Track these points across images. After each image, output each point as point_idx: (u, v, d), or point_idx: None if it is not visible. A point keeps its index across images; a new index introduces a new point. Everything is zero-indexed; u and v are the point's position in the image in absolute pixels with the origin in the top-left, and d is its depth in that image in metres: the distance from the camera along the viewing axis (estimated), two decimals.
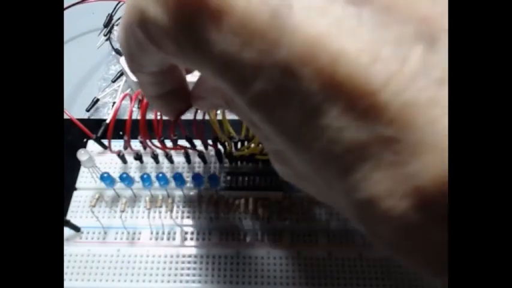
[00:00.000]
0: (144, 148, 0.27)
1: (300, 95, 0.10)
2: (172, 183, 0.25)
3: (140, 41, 0.13)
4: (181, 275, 0.23)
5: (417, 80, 0.09)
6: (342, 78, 0.09)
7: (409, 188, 0.09)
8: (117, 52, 0.36)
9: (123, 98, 0.24)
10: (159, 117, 0.24)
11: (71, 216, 0.25)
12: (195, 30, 0.10)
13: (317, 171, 0.11)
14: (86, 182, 0.26)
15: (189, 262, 0.23)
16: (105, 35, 0.37)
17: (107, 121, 0.30)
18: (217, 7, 0.10)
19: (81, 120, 0.28)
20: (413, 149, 0.09)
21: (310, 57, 0.09)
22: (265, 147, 0.15)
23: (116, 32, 0.38)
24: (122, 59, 0.32)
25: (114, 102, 0.33)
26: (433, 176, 0.09)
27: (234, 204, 0.24)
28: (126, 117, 0.25)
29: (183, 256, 0.23)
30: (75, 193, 0.26)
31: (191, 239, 0.24)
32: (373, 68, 0.09)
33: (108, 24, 0.38)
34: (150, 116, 0.24)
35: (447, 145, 0.08)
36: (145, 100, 0.23)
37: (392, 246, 0.10)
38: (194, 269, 0.23)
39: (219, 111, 0.24)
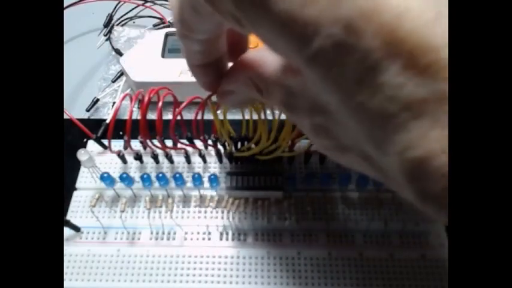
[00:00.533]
0: (144, 148, 0.27)
1: (360, 51, 0.10)
2: (172, 183, 0.25)
3: (195, 1, 0.13)
4: (181, 275, 0.23)
5: None
6: (405, 34, 0.09)
7: None
8: (117, 52, 0.36)
9: (123, 98, 0.24)
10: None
11: (71, 216, 0.25)
12: None
13: (369, 131, 0.11)
14: (86, 182, 0.26)
15: (189, 262, 0.23)
16: (105, 35, 0.37)
17: (107, 121, 0.30)
18: None
19: (81, 120, 0.28)
20: None
21: (373, 13, 0.09)
22: (303, 124, 0.15)
23: (116, 32, 0.38)
24: (122, 59, 0.32)
25: (114, 102, 0.33)
26: None
27: (234, 204, 0.24)
28: (126, 117, 0.25)
29: (183, 256, 0.23)
30: (75, 193, 0.26)
31: (191, 239, 0.24)
32: (437, 25, 0.09)
33: (108, 24, 0.38)
34: (150, 116, 0.24)
35: None
36: (145, 100, 0.23)
37: (440, 205, 0.10)
38: (194, 269, 0.23)
39: (219, 111, 0.24)
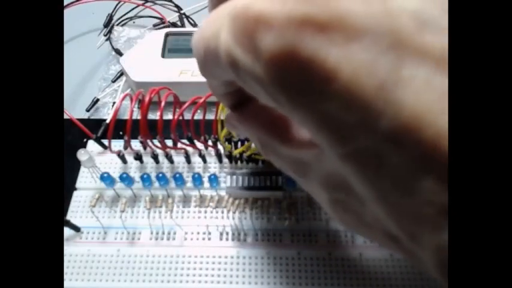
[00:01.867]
0: (144, 148, 0.27)
1: (399, 160, 0.10)
2: (172, 183, 0.25)
3: (220, 65, 0.13)
4: (181, 275, 0.23)
5: None
6: (445, 151, 0.09)
7: None
8: (117, 52, 0.36)
9: (123, 98, 0.24)
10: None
11: (71, 216, 0.25)
12: (306, 84, 0.10)
13: (402, 226, 0.11)
14: (86, 182, 0.26)
15: (189, 262, 0.23)
16: (105, 35, 0.37)
17: (107, 121, 0.30)
18: (325, 73, 0.10)
19: (81, 120, 0.28)
20: None
21: (416, 130, 0.09)
22: (319, 196, 0.15)
23: (116, 32, 0.38)
24: (122, 59, 0.32)
25: (114, 102, 0.33)
26: None
27: (234, 204, 0.25)
28: (126, 117, 0.25)
29: (183, 256, 0.23)
30: (75, 193, 0.26)
31: (191, 239, 0.24)
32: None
33: (108, 24, 0.38)
34: (150, 116, 0.24)
35: None
36: (146, 100, 0.23)
37: None
38: (194, 269, 0.23)
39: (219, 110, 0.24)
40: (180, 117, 0.24)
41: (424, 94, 0.09)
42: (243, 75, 0.12)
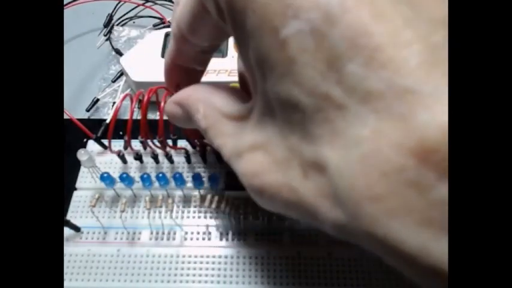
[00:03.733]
0: (144, 148, 0.27)
1: (331, 39, 0.10)
2: (172, 183, 0.25)
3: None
4: (181, 275, 0.23)
5: (436, 50, 0.10)
6: (375, 31, 0.10)
7: (415, 139, 0.09)
8: (117, 52, 0.36)
9: (124, 98, 0.24)
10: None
11: (71, 216, 0.25)
12: None
13: (319, 124, 0.11)
14: (86, 182, 0.26)
15: (189, 262, 0.23)
16: (105, 35, 0.37)
17: (107, 121, 0.30)
18: None
19: (81, 120, 0.28)
20: (426, 101, 0.09)
21: (353, 8, 0.10)
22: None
23: (116, 32, 0.38)
24: (122, 59, 0.32)
25: (114, 102, 0.33)
26: (439, 126, 0.09)
27: (234, 204, 0.24)
28: (126, 117, 0.25)
29: (183, 256, 0.23)
30: (75, 193, 0.26)
31: (191, 239, 0.24)
32: (404, 30, 0.10)
33: (108, 24, 0.38)
34: (150, 116, 0.24)
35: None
36: (145, 100, 0.23)
37: (386, 210, 0.10)
38: (194, 269, 0.23)
39: None
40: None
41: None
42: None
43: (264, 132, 0.13)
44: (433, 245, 0.09)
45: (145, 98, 0.23)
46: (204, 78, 0.30)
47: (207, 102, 0.17)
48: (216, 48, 0.19)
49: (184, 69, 0.20)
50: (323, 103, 0.11)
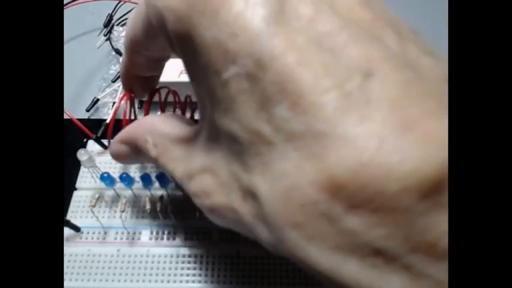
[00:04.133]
0: None
1: (262, 83, 0.11)
2: (173, 183, 0.25)
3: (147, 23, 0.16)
4: (181, 275, 0.23)
5: (352, 95, 0.11)
6: (298, 77, 0.11)
7: (324, 176, 0.11)
8: (117, 52, 0.36)
9: (122, 98, 0.24)
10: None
11: (71, 216, 0.25)
12: (196, 17, 0.12)
13: (253, 158, 0.13)
14: (86, 182, 0.26)
15: (189, 262, 0.23)
16: (105, 35, 0.37)
17: (107, 121, 0.30)
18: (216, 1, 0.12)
19: (81, 120, 0.28)
20: (336, 144, 0.10)
21: (280, 56, 0.11)
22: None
23: (116, 32, 0.38)
24: (122, 59, 0.32)
25: (114, 102, 0.33)
26: (345, 166, 0.10)
27: None
28: (126, 117, 0.25)
29: (183, 256, 0.23)
30: (75, 193, 0.26)
31: (191, 239, 0.24)
32: (323, 77, 0.11)
33: (108, 24, 0.38)
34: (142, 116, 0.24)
35: (362, 142, 0.10)
36: (147, 100, 0.23)
37: (305, 235, 0.11)
38: (194, 269, 0.23)
39: None
40: None
41: (294, 35, 0.12)
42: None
43: (211, 156, 0.15)
44: (342, 266, 0.11)
45: (148, 98, 0.23)
46: (178, 79, 0.30)
47: (154, 131, 0.18)
48: (169, 57, 0.20)
49: (139, 77, 0.21)
50: (256, 139, 0.12)
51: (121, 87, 0.33)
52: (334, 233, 0.11)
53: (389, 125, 0.10)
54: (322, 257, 0.11)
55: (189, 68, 0.15)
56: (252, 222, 0.13)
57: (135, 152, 0.19)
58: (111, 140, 0.20)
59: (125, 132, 0.19)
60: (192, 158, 0.16)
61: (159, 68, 0.21)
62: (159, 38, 0.15)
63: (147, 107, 0.23)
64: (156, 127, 0.18)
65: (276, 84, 0.11)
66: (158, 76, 0.22)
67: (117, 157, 0.21)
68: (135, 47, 0.18)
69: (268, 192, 0.12)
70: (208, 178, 0.15)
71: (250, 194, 0.13)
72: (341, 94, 0.11)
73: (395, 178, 0.10)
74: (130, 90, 0.23)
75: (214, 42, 0.12)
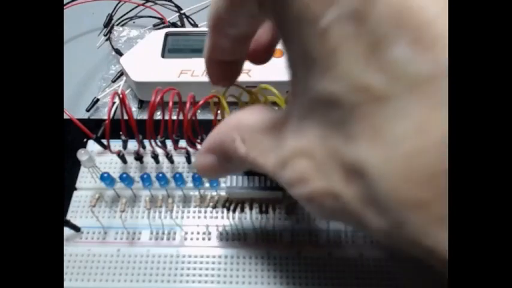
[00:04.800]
0: (144, 148, 0.27)
1: (372, 21, 0.09)
2: (172, 183, 0.25)
3: None
4: (181, 275, 0.23)
5: None
6: (414, 6, 0.09)
7: None
8: (117, 52, 0.36)
9: (113, 97, 0.24)
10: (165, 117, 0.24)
11: (71, 216, 0.25)
12: None
13: (364, 119, 0.11)
14: (86, 182, 0.26)
15: (189, 262, 0.23)
16: (105, 35, 0.37)
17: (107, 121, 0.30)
18: None
19: (81, 120, 0.28)
20: None
21: None
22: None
23: (116, 32, 0.38)
24: (122, 59, 0.32)
25: (114, 102, 0.33)
26: None
27: (234, 204, 0.24)
28: (126, 117, 0.25)
29: (183, 256, 0.23)
30: (75, 193, 0.26)
31: (191, 239, 0.24)
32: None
33: (108, 24, 0.38)
34: (143, 116, 0.24)
35: None
36: (152, 101, 0.23)
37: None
38: (194, 269, 0.23)
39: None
40: (174, 118, 0.24)
41: None
42: None
43: (305, 136, 0.12)
44: None
45: (153, 99, 0.23)
46: (178, 79, 0.30)
47: (240, 126, 0.16)
48: (253, 36, 0.18)
49: (224, 63, 0.19)
50: (364, 96, 0.10)
51: (121, 87, 0.33)
52: None
53: None
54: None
55: (281, 27, 0.12)
56: (358, 208, 0.11)
57: (223, 159, 0.17)
58: (197, 153, 0.18)
59: (210, 138, 0.18)
60: (283, 145, 0.13)
61: (244, 50, 0.19)
62: (245, 3, 0.14)
63: (152, 109, 0.23)
64: (242, 121, 0.16)
65: (390, 17, 0.09)
66: (242, 61, 0.20)
67: (203, 171, 0.18)
68: (219, 25, 0.16)
69: (382, 164, 0.10)
70: (303, 162, 0.12)
71: (356, 172, 0.10)
72: None
73: None
74: (217, 81, 0.20)
75: None
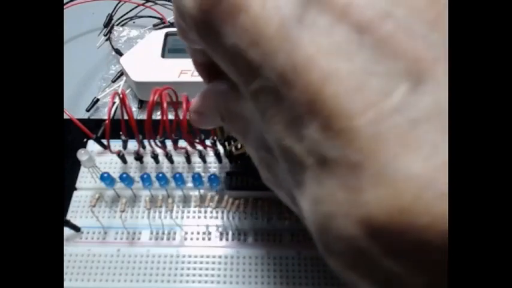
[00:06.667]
0: (144, 148, 0.27)
1: (289, 101, 0.10)
2: (172, 183, 0.25)
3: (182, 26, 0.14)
4: (181, 275, 0.23)
5: (393, 116, 0.09)
6: (326, 97, 0.10)
7: (361, 214, 0.09)
8: (117, 52, 0.36)
9: (113, 97, 0.24)
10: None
11: (71, 216, 0.25)
12: (215, 22, 0.11)
13: (294, 175, 0.12)
14: (86, 182, 0.26)
15: (189, 262, 0.23)
16: (105, 35, 0.37)
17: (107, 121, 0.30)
18: (235, 3, 0.11)
19: (81, 120, 0.28)
20: (372, 179, 0.09)
21: (304, 71, 0.10)
22: (252, 155, 0.16)
23: (116, 32, 0.38)
24: (122, 59, 0.32)
25: (114, 102, 0.33)
26: (383, 208, 0.09)
27: (234, 204, 0.24)
28: (126, 117, 0.25)
29: (183, 256, 0.23)
30: (75, 193, 0.26)
31: (191, 239, 0.24)
32: (356, 94, 0.09)
33: (108, 24, 0.38)
34: (141, 116, 0.24)
35: (403, 183, 0.09)
36: (150, 101, 0.23)
37: (343, 265, 0.11)
38: (194, 269, 0.23)
39: None
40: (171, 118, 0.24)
41: (319, 39, 0.10)
42: (187, 22, 0.13)
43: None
44: None
45: (151, 99, 0.23)
46: (178, 79, 0.30)
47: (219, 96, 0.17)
48: None
49: (209, 64, 0.19)
50: (288, 156, 0.11)
51: (121, 87, 0.33)
52: (372, 269, 0.10)
53: (438, 160, 0.08)
54: (363, 285, 0.10)
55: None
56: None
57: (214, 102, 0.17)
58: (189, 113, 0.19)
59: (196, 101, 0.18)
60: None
61: None
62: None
63: (150, 108, 0.23)
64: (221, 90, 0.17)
65: (304, 103, 0.10)
66: None
67: (197, 118, 0.19)
68: (183, 33, 0.16)
69: (309, 213, 0.11)
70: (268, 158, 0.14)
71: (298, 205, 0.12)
72: (379, 115, 0.09)
73: (441, 230, 0.08)
74: (208, 80, 0.20)
75: (235, 51, 0.11)
